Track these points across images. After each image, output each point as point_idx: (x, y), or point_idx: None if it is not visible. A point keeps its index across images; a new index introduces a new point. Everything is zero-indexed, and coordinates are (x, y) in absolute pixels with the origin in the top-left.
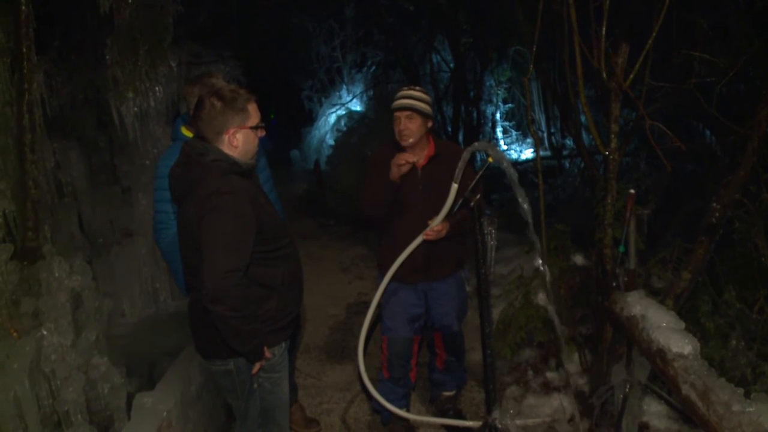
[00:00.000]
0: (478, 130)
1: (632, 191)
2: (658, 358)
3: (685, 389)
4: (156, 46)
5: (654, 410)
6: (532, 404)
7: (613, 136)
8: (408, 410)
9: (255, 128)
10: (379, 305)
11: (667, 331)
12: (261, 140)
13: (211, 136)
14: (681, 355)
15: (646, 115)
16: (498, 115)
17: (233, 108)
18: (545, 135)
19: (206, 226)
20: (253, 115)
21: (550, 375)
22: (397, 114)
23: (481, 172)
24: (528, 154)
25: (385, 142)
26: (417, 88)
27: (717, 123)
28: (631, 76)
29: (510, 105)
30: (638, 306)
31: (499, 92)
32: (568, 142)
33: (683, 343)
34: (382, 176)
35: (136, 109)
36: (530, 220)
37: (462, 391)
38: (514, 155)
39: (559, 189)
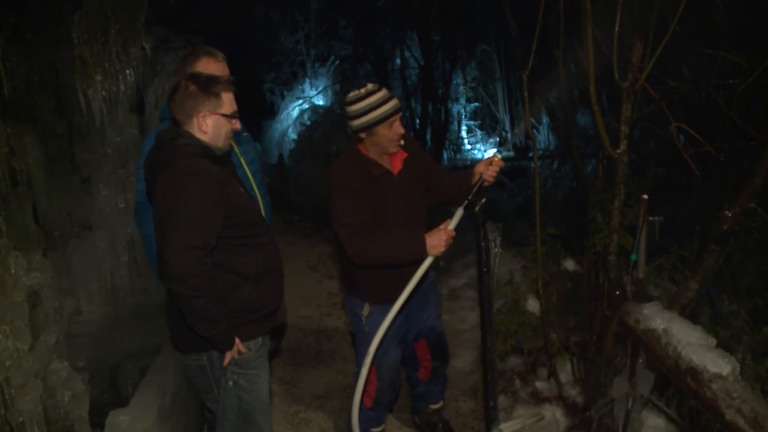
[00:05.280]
0: (446, 128)
1: (645, 196)
2: (689, 377)
3: (730, 414)
4: (129, 26)
5: (651, 423)
6: (523, 415)
7: (623, 137)
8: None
9: (227, 117)
10: (352, 334)
11: (700, 349)
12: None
13: (182, 118)
14: (719, 376)
15: (671, 117)
16: (464, 114)
17: (206, 92)
18: (509, 135)
19: (170, 203)
20: (227, 103)
21: (539, 384)
22: (394, 118)
23: (477, 186)
24: (491, 153)
25: (342, 158)
26: (377, 85)
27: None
28: (644, 74)
29: (476, 104)
30: (659, 319)
31: (465, 91)
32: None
33: (721, 362)
34: (367, 208)
35: (104, 93)
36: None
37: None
38: (478, 155)
39: (530, 189)
